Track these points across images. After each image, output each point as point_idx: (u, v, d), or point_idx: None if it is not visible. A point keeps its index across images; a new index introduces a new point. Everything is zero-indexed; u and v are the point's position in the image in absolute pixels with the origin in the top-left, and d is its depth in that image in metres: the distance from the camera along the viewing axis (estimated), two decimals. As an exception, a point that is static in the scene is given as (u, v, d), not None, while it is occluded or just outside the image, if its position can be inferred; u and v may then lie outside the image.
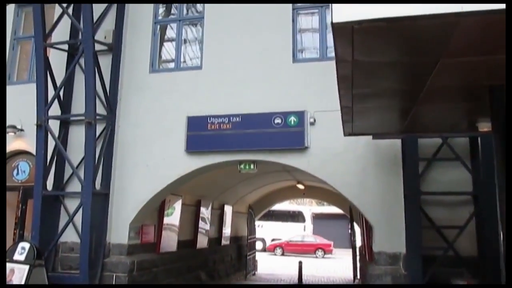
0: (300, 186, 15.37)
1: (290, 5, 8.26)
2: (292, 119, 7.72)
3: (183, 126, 8.26)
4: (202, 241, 11.69)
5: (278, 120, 7.77)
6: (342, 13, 2.70)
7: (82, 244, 7.76)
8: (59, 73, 8.66)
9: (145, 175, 8.35)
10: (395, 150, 7.26)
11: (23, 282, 7.01)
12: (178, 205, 10.15)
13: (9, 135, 9.05)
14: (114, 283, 7.99)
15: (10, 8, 9.98)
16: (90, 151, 7.94)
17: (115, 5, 8.97)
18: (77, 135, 8.53)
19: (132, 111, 8.69)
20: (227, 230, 14.00)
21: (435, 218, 6.86)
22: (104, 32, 8.84)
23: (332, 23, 2.75)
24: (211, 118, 8.12)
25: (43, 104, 8.23)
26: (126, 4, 9.08)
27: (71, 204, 8.31)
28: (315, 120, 7.67)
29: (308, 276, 16.07)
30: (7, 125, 8.80)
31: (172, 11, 9.49)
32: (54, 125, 8.56)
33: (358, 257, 15.01)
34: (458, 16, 2.54)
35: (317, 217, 32.23)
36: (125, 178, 8.45)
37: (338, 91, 4.03)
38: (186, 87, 8.52)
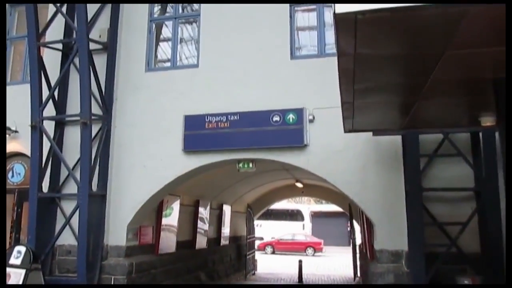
0: (299, 185, 15.27)
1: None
2: (291, 116, 7.62)
3: (180, 126, 8.15)
4: (201, 242, 11.59)
5: (276, 118, 7.67)
6: (345, 4, 2.59)
7: (79, 247, 7.64)
8: (54, 73, 8.52)
9: (142, 176, 8.23)
10: (396, 147, 7.17)
11: (19, 286, 6.89)
12: (176, 206, 10.03)
13: (4, 137, 8.92)
14: (112, 285, 7.89)
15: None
16: (86, 152, 7.81)
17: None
18: (73, 136, 8.40)
19: (128, 111, 8.57)
20: (226, 230, 13.89)
21: (437, 214, 6.77)
22: (99, 31, 8.70)
23: (334, 14, 2.64)
24: (208, 117, 8.00)
25: (37, 105, 8.10)
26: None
27: (68, 206, 8.18)
28: (314, 118, 7.57)
29: (308, 275, 16.01)
30: (1, 126, 8.67)
31: (168, 10, 9.36)
32: (49, 126, 8.42)
33: (357, 255, 14.97)
34: (466, 6, 2.43)
35: (315, 216, 32.21)
36: (122, 179, 8.33)
37: (339, 86, 3.93)
38: (183, 86, 8.40)
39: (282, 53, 7.97)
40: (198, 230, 11.33)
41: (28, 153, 8.34)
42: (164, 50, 9.41)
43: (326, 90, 7.49)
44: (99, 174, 8.24)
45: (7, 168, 9.27)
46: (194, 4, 8.99)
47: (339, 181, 7.41)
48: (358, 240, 14.54)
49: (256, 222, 18.53)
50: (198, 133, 8.02)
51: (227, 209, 13.91)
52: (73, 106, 8.44)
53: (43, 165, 8.19)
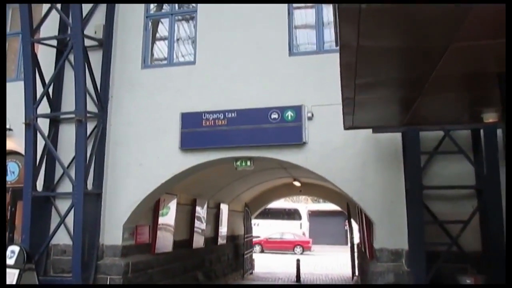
0: (297, 183, 15.18)
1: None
2: (289, 114, 7.51)
3: (177, 123, 8.03)
4: (198, 241, 11.47)
5: (275, 115, 7.56)
6: (348, -7, 2.49)
7: (74, 246, 7.52)
8: (48, 70, 8.38)
9: (139, 174, 8.11)
10: (396, 144, 7.07)
11: (13, 287, 6.76)
12: (173, 205, 9.92)
13: (-3, 135, 8.77)
14: (108, 285, 7.76)
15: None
16: (81, 150, 7.69)
17: (105, -1, 8.71)
18: (68, 134, 8.26)
19: (124, 108, 8.44)
20: (223, 229, 13.79)
21: (437, 213, 6.68)
22: (94, 27, 8.57)
23: (337, 4, 2.53)
24: (205, 114, 7.89)
25: (31, 102, 7.97)
26: (117, -1, 8.82)
27: (63, 205, 8.05)
28: (313, 115, 7.46)
29: (306, 274, 15.91)
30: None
31: (164, 8, 9.23)
32: (44, 124, 8.29)
33: (354, 254, 14.90)
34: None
35: (313, 215, 32.11)
36: (118, 177, 8.20)
37: (340, 81, 3.82)
38: (179, 83, 8.28)
39: (281, 49, 7.86)
40: (195, 229, 11.22)
41: (22, 151, 8.20)
42: (161, 48, 9.29)
43: (325, 87, 7.41)
44: (95, 173, 8.11)
45: (1, 166, 9.12)
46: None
47: (338, 179, 7.31)
48: (356, 239, 14.47)
49: (253, 221, 18.42)
50: (195, 130, 7.90)
51: (224, 208, 13.80)
52: (68, 103, 8.30)
53: (37, 163, 8.06)
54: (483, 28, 2.91)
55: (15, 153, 8.92)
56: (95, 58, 8.40)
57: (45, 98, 8.24)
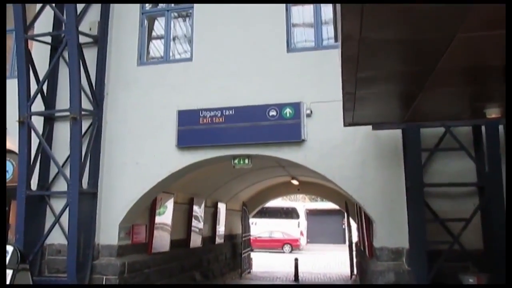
0: (295, 182, 15.09)
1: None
2: (288, 111, 7.40)
3: (173, 121, 7.90)
4: (196, 240, 11.36)
5: (273, 113, 7.45)
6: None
7: (69, 246, 7.39)
8: (43, 67, 8.25)
9: (135, 173, 7.98)
10: (396, 141, 6.98)
11: None
12: (170, 204, 9.80)
13: (-9, 133, 8.62)
14: (104, 286, 7.64)
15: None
16: (76, 148, 7.56)
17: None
18: (63, 132, 8.13)
19: (120, 106, 8.31)
20: (221, 228, 13.68)
21: (438, 210, 6.59)
22: (89, 24, 8.43)
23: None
24: (203, 112, 7.76)
25: (25, 100, 7.83)
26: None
27: (57, 204, 7.92)
28: (311, 112, 7.35)
29: (304, 273, 15.82)
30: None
31: (160, 4, 9.08)
32: (38, 122, 8.16)
33: (353, 253, 14.81)
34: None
35: (311, 213, 32.04)
36: (113, 176, 8.07)
37: (342, 75, 3.71)
38: (176, 80, 8.15)
39: (279, 45, 7.75)
40: (192, 228, 11.11)
41: (17, 150, 8.05)
42: (157, 47, 9.14)
43: (324, 83, 7.32)
44: (90, 171, 7.98)
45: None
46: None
47: (338, 177, 7.20)
48: (355, 238, 14.39)
49: (251, 220, 18.32)
50: (192, 128, 7.78)
51: (222, 207, 13.69)
52: (63, 101, 8.16)
53: (31, 162, 7.93)
54: (489, 18, 2.80)
55: (9, 151, 8.76)
56: (90, 55, 8.26)
57: (39, 96, 8.10)
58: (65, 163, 7.94)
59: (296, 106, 7.37)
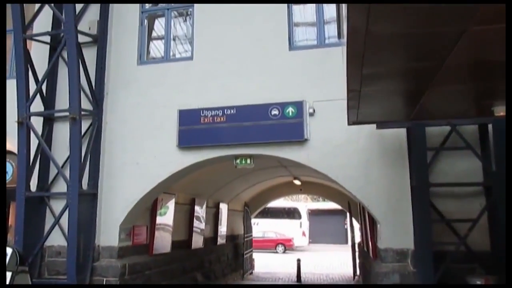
0: (297, 182, 14.96)
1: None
2: (290, 110, 7.29)
3: (174, 121, 7.79)
4: (197, 241, 11.25)
5: (275, 112, 7.34)
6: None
7: (69, 248, 7.29)
8: (42, 68, 8.14)
9: (135, 173, 7.88)
10: (400, 140, 6.86)
11: (5, 291, 6.52)
12: (171, 204, 9.69)
13: (-10, 134, 8.52)
14: (104, 288, 7.54)
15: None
16: (76, 149, 7.45)
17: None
18: (62, 133, 8.03)
19: (120, 106, 8.21)
20: (223, 229, 13.57)
21: (444, 211, 6.46)
22: (88, 23, 8.33)
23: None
24: (204, 111, 7.66)
25: (24, 100, 7.74)
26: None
27: (57, 205, 7.82)
28: (314, 111, 7.24)
29: (307, 274, 15.70)
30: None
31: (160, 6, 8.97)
32: (38, 123, 8.06)
33: (356, 253, 14.68)
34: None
35: (313, 214, 31.90)
36: (113, 177, 7.97)
37: (347, 71, 3.60)
38: (176, 79, 8.05)
39: (280, 43, 7.63)
40: (194, 229, 11.00)
41: (16, 150, 7.96)
42: (158, 47, 9.03)
43: (327, 82, 7.21)
44: (90, 172, 7.87)
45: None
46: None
47: (341, 177, 7.08)
48: (357, 238, 14.26)
49: (253, 220, 18.21)
50: (193, 128, 7.68)
51: (224, 207, 13.58)
52: (62, 101, 8.06)
53: (31, 163, 7.83)
54: (501, 11, 2.68)
55: (8, 152, 8.66)
56: (90, 55, 8.16)
57: (38, 96, 8.00)
58: (64, 163, 7.85)
59: (299, 105, 7.26)
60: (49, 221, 7.88)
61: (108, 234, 7.79)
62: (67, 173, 7.59)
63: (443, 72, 3.62)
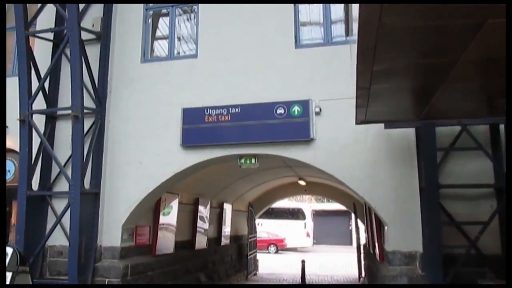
0: (302, 183, 14.81)
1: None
2: (296, 109, 7.14)
3: (178, 119, 7.67)
4: (201, 241, 11.13)
5: (280, 110, 7.20)
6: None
7: (70, 248, 7.19)
8: (45, 65, 8.04)
9: (138, 173, 7.76)
10: (408, 140, 6.70)
11: (5, 291, 6.42)
12: (174, 204, 9.57)
13: (-8, 132, 8.43)
14: (106, 289, 7.42)
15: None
16: (78, 147, 7.35)
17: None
18: (65, 131, 7.95)
19: (123, 104, 8.10)
20: (226, 229, 13.44)
21: (454, 213, 6.29)
22: (92, 20, 8.23)
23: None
24: (208, 110, 7.53)
25: (26, 98, 7.65)
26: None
27: (59, 204, 7.73)
28: (320, 110, 7.09)
29: (311, 275, 15.53)
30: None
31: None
32: (40, 121, 7.97)
33: (361, 255, 14.51)
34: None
35: (317, 214, 31.71)
36: (116, 176, 7.86)
37: (356, 67, 3.45)
38: (181, 77, 7.93)
39: (286, 41, 7.50)
40: (198, 229, 10.87)
41: (18, 149, 7.85)
42: (162, 46, 8.91)
43: (334, 80, 7.07)
44: (92, 171, 7.77)
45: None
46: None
47: (348, 178, 6.93)
48: (363, 240, 14.08)
49: (257, 221, 18.07)
50: (197, 127, 7.55)
51: (228, 207, 13.46)
52: (65, 99, 7.97)
53: (32, 161, 7.74)
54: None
55: (10, 151, 8.58)
56: (93, 52, 8.06)
57: (41, 94, 7.90)
58: (67, 162, 7.74)
59: (305, 104, 7.12)
60: (51, 220, 7.78)
61: (111, 234, 7.68)
62: (69, 172, 7.48)
63: (458, 68, 3.46)
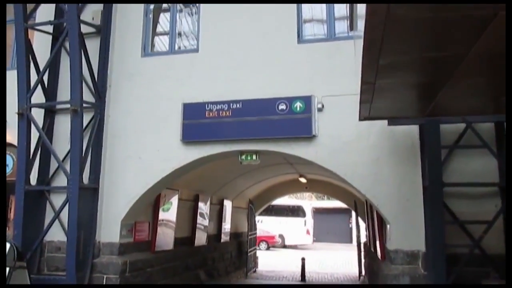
0: (303, 180, 14.73)
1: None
2: (298, 105, 7.04)
3: (178, 114, 7.58)
4: (201, 238, 11.05)
5: (282, 106, 7.10)
6: None
7: (68, 244, 7.11)
8: (44, 59, 7.93)
9: (138, 168, 7.68)
10: (412, 137, 6.60)
11: (2, 286, 6.34)
12: (174, 200, 9.49)
13: (-10, 126, 8.34)
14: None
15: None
16: (77, 142, 7.26)
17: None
18: (64, 125, 7.86)
19: (123, 99, 8.00)
20: (226, 226, 13.36)
21: (457, 212, 6.20)
22: (92, 13, 8.14)
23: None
24: (209, 105, 7.43)
25: (24, 91, 7.54)
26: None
27: (58, 200, 7.65)
28: (323, 106, 6.99)
29: (311, 273, 15.47)
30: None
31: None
32: (39, 115, 7.87)
33: (361, 253, 14.44)
34: None
35: (317, 212, 31.64)
36: (115, 171, 7.77)
37: (362, 60, 3.34)
38: (181, 72, 7.83)
39: (289, 36, 7.39)
40: (197, 226, 10.79)
41: (16, 143, 7.77)
42: (163, 41, 8.79)
43: (337, 76, 6.97)
44: (91, 166, 7.68)
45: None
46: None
47: (350, 175, 6.84)
48: (363, 238, 14.01)
49: (257, 218, 17.99)
50: (197, 122, 7.46)
51: (228, 204, 13.37)
52: (64, 93, 7.87)
53: (31, 156, 7.65)
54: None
55: (8, 145, 8.48)
56: (93, 46, 7.96)
57: (40, 87, 7.81)
58: (65, 157, 7.66)
59: (307, 100, 7.02)
60: (49, 215, 7.71)
61: (109, 230, 7.60)
62: (68, 166, 7.40)
63: (467, 63, 3.36)
